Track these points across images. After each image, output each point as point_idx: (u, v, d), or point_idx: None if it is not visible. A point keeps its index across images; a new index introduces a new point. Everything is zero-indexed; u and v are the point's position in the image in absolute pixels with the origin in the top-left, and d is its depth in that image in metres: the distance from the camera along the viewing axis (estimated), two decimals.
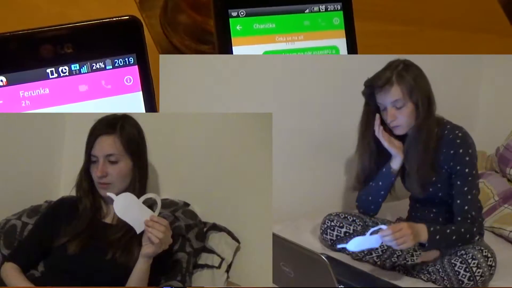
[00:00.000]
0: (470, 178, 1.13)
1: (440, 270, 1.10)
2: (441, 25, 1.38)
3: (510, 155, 1.52)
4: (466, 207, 1.12)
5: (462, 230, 1.11)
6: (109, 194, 0.95)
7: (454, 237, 1.10)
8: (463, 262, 1.07)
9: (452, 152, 1.14)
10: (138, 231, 0.93)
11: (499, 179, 1.52)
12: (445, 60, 1.67)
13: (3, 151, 1.23)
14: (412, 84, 1.13)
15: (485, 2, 1.43)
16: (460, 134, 1.15)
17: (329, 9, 1.00)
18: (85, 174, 1.06)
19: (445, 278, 1.09)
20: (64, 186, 1.15)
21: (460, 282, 1.07)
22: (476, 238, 1.19)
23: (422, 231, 1.08)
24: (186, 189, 1.27)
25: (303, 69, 1.45)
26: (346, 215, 1.28)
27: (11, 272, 1.03)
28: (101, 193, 1.06)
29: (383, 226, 1.09)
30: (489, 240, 1.23)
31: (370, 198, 1.24)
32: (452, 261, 1.09)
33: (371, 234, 1.09)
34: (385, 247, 1.22)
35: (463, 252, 1.09)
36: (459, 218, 1.12)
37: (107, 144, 1.03)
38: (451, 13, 1.40)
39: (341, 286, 1.08)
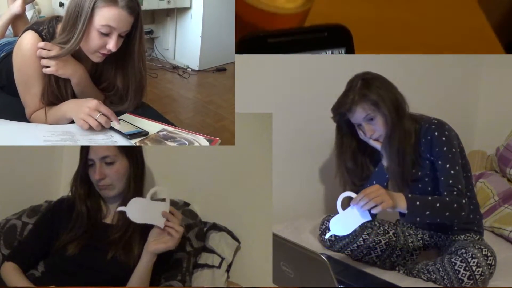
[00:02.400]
0: (450, 156, 1.14)
1: (440, 269, 1.10)
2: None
3: (510, 155, 1.52)
4: (450, 181, 1.12)
5: (447, 199, 1.09)
6: (119, 209, 0.96)
7: (438, 205, 1.08)
8: (463, 261, 1.07)
9: (429, 138, 1.16)
10: (162, 226, 0.94)
11: (499, 179, 1.52)
12: (445, 60, 1.67)
13: (4, 151, 1.23)
14: (375, 99, 1.15)
15: (477, 26, 1.44)
16: (435, 121, 1.18)
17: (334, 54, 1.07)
18: (81, 179, 1.06)
19: (445, 277, 1.09)
20: (64, 186, 1.15)
21: (460, 281, 1.07)
22: (478, 236, 1.20)
23: (400, 198, 1.06)
24: (186, 189, 1.27)
25: (303, 70, 1.45)
26: None
27: (11, 271, 1.03)
28: (102, 194, 1.06)
29: (351, 194, 1.06)
30: (489, 240, 1.23)
31: None
32: (452, 260, 1.09)
33: (342, 207, 1.06)
34: (384, 247, 1.22)
35: (463, 251, 1.09)
36: (445, 193, 1.12)
37: (102, 146, 1.03)
38: (444, 38, 1.41)
39: (341, 286, 1.08)
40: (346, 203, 1.07)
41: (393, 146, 1.17)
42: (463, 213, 1.10)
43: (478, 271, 1.06)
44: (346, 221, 1.06)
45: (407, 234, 1.27)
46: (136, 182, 1.05)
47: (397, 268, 1.20)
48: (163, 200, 0.95)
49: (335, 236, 1.26)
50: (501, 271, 1.13)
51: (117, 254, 0.99)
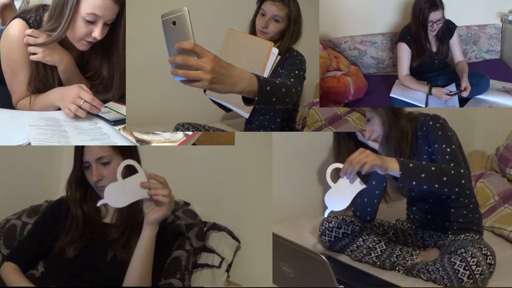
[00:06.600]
0: (445, 138, 1.14)
1: (440, 269, 1.10)
2: None
3: (510, 155, 1.52)
4: (447, 157, 1.11)
5: (443, 166, 1.07)
6: (99, 203, 0.94)
7: (433, 168, 1.05)
8: (462, 260, 1.07)
9: (424, 129, 1.17)
10: (147, 197, 0.92)
11: (499, 179, 1.52)
12: None
13: (4, 151, 1.23)
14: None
15: None
16: (431, 115, 1.19)
17: None
18: (77, 182, 1.06)
19: (444, 277, 1.09)
20: (64, 186, 1.15)
21: (460, 281, 1.07)
22: (478, 236, 1.20)
23: (391, 160, 1.03)
24: (186, 189, 1.27)
25: None
26: (344, 217, 1.28)
27: (11, 271, 1.03)
28: (101, 196, 1.06)
29: (338, 165, 1.04)
30: (489, 240, 1.23)
31: (366, 199, 1.24)
32: (452, 259, 1.09)
33: (334, 182, 1.03)
34: (384, 247, 1.22)
35: (462, 250, 1.09)
36: (443, 166, 1.08)
37: (96, 147, 1.03)
38: None
39: (341, 286, 1.08)
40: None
41: (391, 146, 1.17)
42: (462, 181, 1.06)
43: (478, 270, 1.06)
44: (340, 194, 1.03)
45: (407, 234, 1.27)
46: None
47: (397, 268, 1.20)
48: (137, 172, 0.93)
49: (335, 237, 1.26)
50: (501, 271, 1.13)
51: (117, 253, 0.99)
